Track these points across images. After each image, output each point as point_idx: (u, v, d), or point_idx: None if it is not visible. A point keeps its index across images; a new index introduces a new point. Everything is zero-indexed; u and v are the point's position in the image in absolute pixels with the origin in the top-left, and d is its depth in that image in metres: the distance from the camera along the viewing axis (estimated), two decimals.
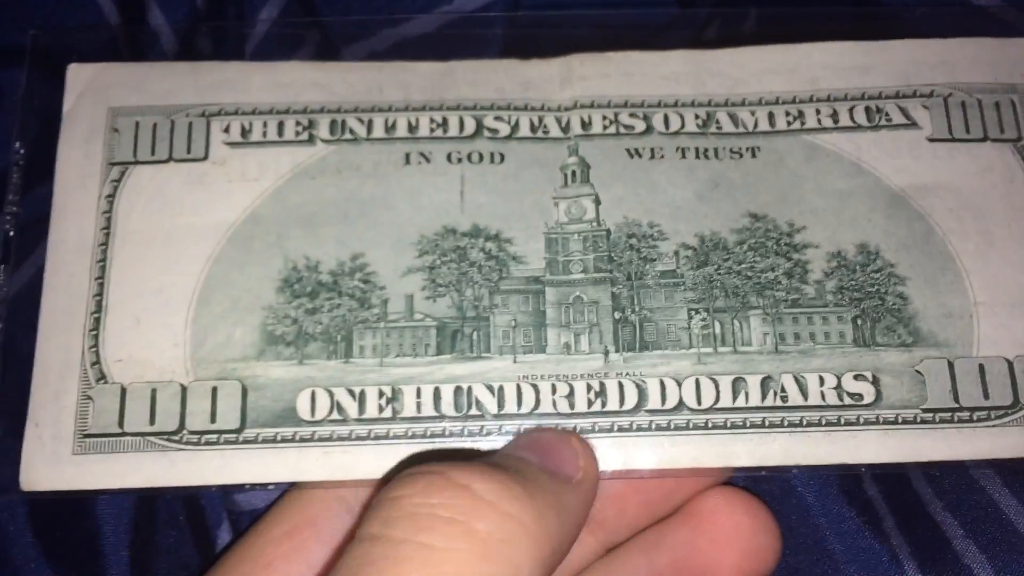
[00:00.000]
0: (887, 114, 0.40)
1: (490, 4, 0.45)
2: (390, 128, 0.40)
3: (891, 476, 0.39)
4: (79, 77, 0.40)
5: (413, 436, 0.35)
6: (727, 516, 0.35)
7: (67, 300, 0.37)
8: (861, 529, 0.38)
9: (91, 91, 0.40)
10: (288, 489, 0.36)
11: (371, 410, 0.36)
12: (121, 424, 0.35)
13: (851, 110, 0.40)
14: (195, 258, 0.38)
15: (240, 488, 0.36)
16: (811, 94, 0.40)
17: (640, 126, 0.40)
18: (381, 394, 0.36)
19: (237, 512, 0.39)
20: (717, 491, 0.36)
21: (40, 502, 0.38)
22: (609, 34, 0.42)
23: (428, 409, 0.36)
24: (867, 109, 0.40)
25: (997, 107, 0.40)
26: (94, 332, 0.37)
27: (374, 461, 0.35)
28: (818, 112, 0.40)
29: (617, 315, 0.37)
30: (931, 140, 0.39)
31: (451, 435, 0.35)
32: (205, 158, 0.39)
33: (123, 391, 0.36)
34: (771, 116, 0.40)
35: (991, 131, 0.40)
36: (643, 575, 0.36)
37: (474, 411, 0.36)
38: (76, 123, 0.40)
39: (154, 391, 0.36)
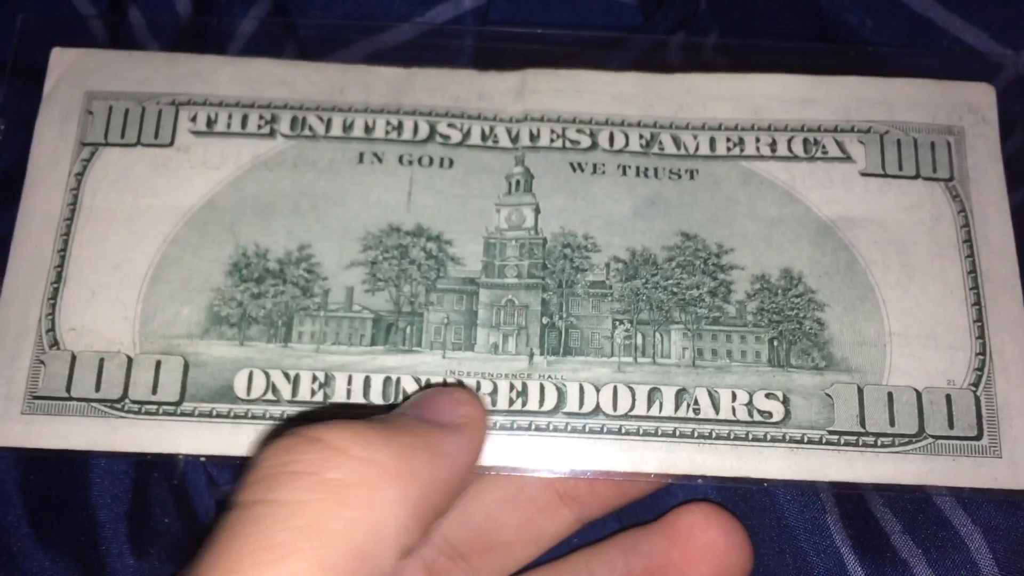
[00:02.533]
0: (824, 147, 0.41)
1: (461, 16, 0.46)
2: (348, 128, 0.42)
3: None
4: (61, 61, 0.43)
5: None
6: (702, 532, 0.37)
7: (30, 270, 0.39)
8: (812, 521, 0.39)
9: (71, 74, 0.42)
10: None
11: (304, 393, 0.38)
12: (69, 389, 0.38)
13: (789, 141, 0.41)
14: (153, 238, 0.40)
15: (174, 458, 0.38)
16: (752, 123, 0.42)
17: (586, 142, 0.41)
18: (315, 379, 0.38)
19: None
20: (695, 506, 0.37)
21: (35, 494, 0.40)
22: (572, 51, 0.44)
23: (358, 396, 0.38)
24: (805, 140, 0.41)
25: (932, 147, 0.42)
26: (52, 301, 0.39)
27: None
28: (757, 140, 0.41)
29: (545, 320, 0.39)
30: (864, 174, 0.41)
31: None
32: (171, 144, 0.41)
33: (73, 358, 0.38)
34: (712, 141, 0.42)
35: (924, 170, 0.41)
36: (619, 573, 0.37)
37: (400, 401, 0.37)
38: (54, 104, 0.42)
39: (102, 360, 0.38)
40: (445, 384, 0.38)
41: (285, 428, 0.29)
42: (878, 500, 0.39)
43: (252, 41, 0.45)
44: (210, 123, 0.42)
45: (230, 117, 0.42)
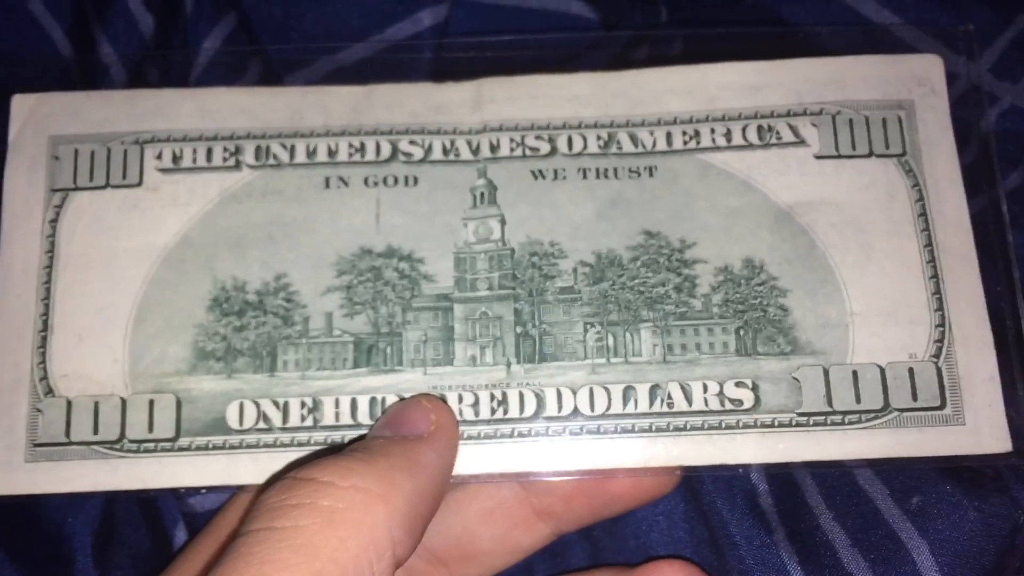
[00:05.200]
0: (778, 132, 0.42)
1: (421, 32, 0.47)
2: (311, 153, 0.42)
3: (784, 488, 0.41)
4: (22, 107, 0.43)
5: (332, 443, 0.39)
6: None
7: (16, 321, 0.40)
8: (759, 539, 0.41)
9: (33, 120, 0.43)
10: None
11: (294, 419, 0.39)
12: (68, 434, 0.39)
13: (744, 129, 0.42)
14: (132, 279, 0.41)
15: (175, 492, 0.40)
16: (707, 113, 0.43)
17: (545, 148, 0.42)
18: (303, 404, 0.39)
19: (192, 513, 0.42)
20: (676, 566, 0.39)
21: (3, 508, 0.41)
22: (533, 57, 0.45)
23: (346, 418, 0.39)
24: (759, 128, 0.42)
25: (884, 123, 0.42)
26: (41, 350, 0.40)
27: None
28: (713, 131, 0.42)
29: (519, 329, 0.41)
30: (818, 157, 0.42)
31: None
32: (139, 184, 0.42)
33: (69, 404, 0.39)
34: (669, 136, 0.42)
35: (876, 147, 0.42)
36: None
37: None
38: (20, 152, 0.42)
39: (97, 404, 0.39)
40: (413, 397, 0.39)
41: (281, 473, 0.32)
42: (827, 514, 0.40)
43: (215, 59, 0.46)
44: (175, 159, 0.42)
45: (195, 151, 0.42)
